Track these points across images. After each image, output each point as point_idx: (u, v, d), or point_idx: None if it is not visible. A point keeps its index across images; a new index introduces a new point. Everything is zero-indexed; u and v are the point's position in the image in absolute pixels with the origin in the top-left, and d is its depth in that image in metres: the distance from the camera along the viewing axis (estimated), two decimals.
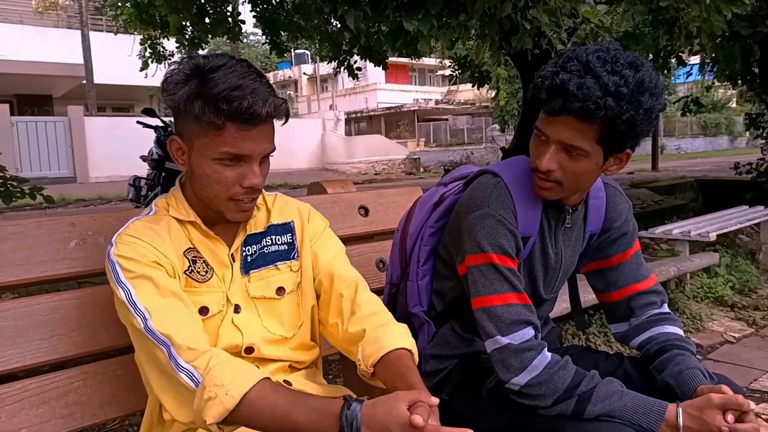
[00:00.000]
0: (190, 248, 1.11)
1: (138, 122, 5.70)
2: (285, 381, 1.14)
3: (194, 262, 1.10)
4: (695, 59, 8.23)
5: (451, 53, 8.36)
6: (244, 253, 1.16)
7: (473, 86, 8.96)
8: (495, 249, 1.18)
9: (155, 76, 8.23)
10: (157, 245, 1.05)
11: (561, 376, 1.14)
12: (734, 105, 28.32)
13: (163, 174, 5.39)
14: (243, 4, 6.81)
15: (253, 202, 1.11)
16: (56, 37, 17.06)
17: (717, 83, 8.70)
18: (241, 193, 1.07)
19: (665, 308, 1.36)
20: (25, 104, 15.43)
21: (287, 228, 1.22)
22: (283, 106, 1.05)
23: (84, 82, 15.34)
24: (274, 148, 1.09)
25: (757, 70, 6.38)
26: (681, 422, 1.08)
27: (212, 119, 0.99)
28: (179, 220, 1.11)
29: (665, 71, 6.93)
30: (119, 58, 15.22)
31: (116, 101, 19.55)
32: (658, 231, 4.35)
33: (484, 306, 1.19)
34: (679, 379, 1.18)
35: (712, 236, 4.16)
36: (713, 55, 5.83)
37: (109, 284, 1.06)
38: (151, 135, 5.58)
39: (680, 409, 1.09)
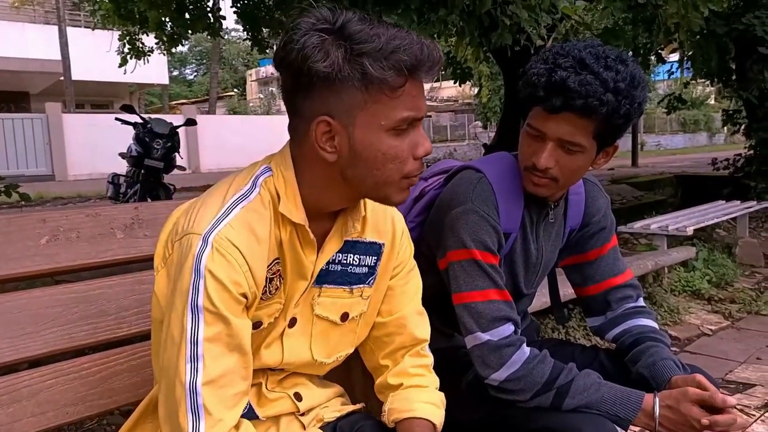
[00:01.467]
0: (276, 259, 0.92)
1: (116, 119, 5.64)
2: (295, 393, 1.04)
3: (271, 280, 0.92)
4: (675, 56, 8.34)
5: None
6: (329, 263, 0.98)
7: (455, 83, 8.99)
8: (477, 245, 1.18)
9: (134, 72, 8.16)
10: (253, 261, 0.86)
11: (539, 370, 1.15)
12: (713, 102, 28.71)
13: (143, 171, 5.34)
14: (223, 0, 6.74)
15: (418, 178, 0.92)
16: (33, 33, 16.78)
17: (696, 81, 8.83)
18: (416, 168, 0.89)
19: (641, 302, 1.38)
20: (1, 101, 15.17)
21: (376, 250, 1.04)
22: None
23: (62, 78, 15.11)
24: None
25: (734, 67, 6.47)
26: (657, 411, 1.09)
27: (391, 77, 0.80)
28: (283, 217, 0.91)
29: (645, 68, 7.01)
30: (98, 55, 15.04)
31: (95, 98, 19.30)
32: (637, 226, 4.40)
33: (465, 302, 1.19)
34: (653, 369, 1.20)
35: (690, 231, 4.22)
36: (691, 52, 5.91)
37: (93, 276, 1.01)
38: (131, 132, 5.52)
39: (657, 399, 1.11)
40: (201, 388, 0.82)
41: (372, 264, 1.03)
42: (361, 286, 1.03)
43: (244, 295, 0.86)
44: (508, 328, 1.18)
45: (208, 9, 6.41)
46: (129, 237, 1.28)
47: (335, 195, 0.91)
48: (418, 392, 1.07)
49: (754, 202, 5.56)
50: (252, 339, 0.91)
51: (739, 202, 5.50)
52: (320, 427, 1.03)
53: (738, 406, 2.42)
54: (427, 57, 0.82)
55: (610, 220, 1.38)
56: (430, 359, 1.13)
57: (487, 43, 3.18)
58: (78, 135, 13.83)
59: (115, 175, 5.88)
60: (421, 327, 1.11)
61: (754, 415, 2.36)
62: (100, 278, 1.23)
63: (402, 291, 1.09)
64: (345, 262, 1.00)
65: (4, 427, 1.06)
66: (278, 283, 0.93)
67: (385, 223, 1.05)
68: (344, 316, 1.02)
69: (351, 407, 1.11)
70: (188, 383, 0.82)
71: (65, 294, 1.17)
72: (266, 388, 1.01)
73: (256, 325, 0.93)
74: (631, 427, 1.16)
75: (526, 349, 1.17)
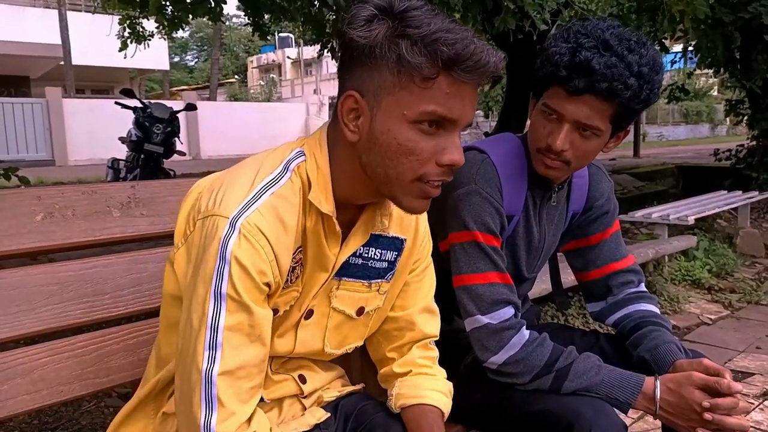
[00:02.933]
0: (299, 247, 0.90)
1: (116, 103, 5.61)
2: (299, 375, 1.04)
3: (293, 269, 0.90)
4: (678, 47, 8.28)
5: None
6: (351, 256, 0.96)
7: None
8: (479, 227, 1.17)
9: (135, 57, 8.12)
10: (279, 250, 0.84)
11: (539, 353, 1.14)
12: (715, 93, 28.58)
13: (142, 156, 5.32)
14: None
15: (439, 188, 0.86)
16: (33, 17, 16.66)
17: (698, 71, 8.78)
18: (435, 174, 0.83)
19: (642, 287, 1.36)
20: (1, 85, 15.10)
21: (398, 245, 1.01)
22: (503, 61, 0.83)
23: (62, 63, 15.03)
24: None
25: (738, 56, 6.42)
26: (658, 395, 1.08)
27: (424, 64, 0.77)
28: (311, 204, 0.88)
29: None
30: (98, 39, 14.94)
31: (95, 83, 19.22)
32: (638, 215, 4.39)
33: (466, 284, 1.18)
34: (655, 353, 1.19)
35: (691, 220, 4.21)
36: (695, 41, 5.86)
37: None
38: (131, 117, 5.50)
39: (658, 382, 1.10)
40: (216, 378, 0.79)
41: (392, 259, 1.01)
42: (380, 281, 1.01)
43: (268, 285, 0.84)
44: (508, 311, 1.17)
45: None
46: (125, 216, 1.26)
47: (361, 186, 0.88)
48: (426, 380, 1.06)
49: (756, 193, 5.54)
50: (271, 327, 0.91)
51: (740, 192, 5.48)
52: (322, 407, 1.02)
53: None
54: (470, 55, 0.76)
55: (614, 205, 1.37)
56: (436, 353, 1.11)
57: (490, 28, 3.15)
58: (78, 120, 13.79)
59: (115, 160, 5.87)
60: (431, 324, 1.10)
61: (752, 403, 2.36)
62: (96, 257, 1.22)
63: (417, 287, 1.07)
64: (366, 256, 0.98)
65: None
66: (299, 271, 0.91)
67: (409, 219, 1.02)
68: (360, 311, 1.00)
69: (350, 388, 1.10)
70: (204, 371, 0.80)
71: (61, 272, 1.16)
72: (271, 369, 1.00)
73: (273, 312, 0.90)
74: (632, 412, 1.15)
75: (525, 332, 1.16)
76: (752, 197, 5.34)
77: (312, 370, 1.05)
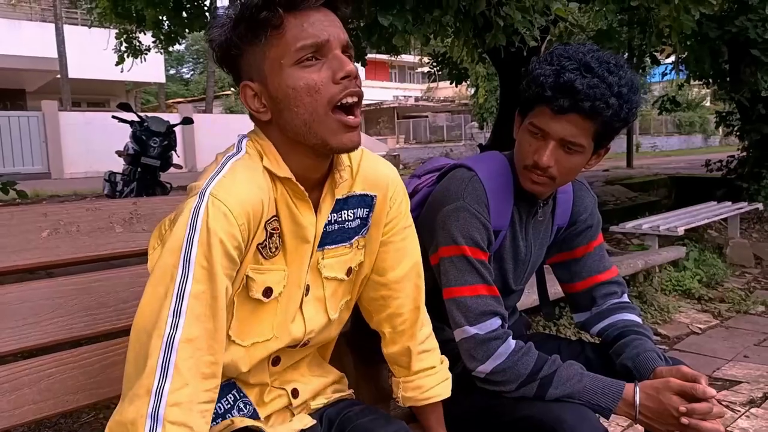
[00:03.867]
0: (274, 216, 0.93)
1: (113, 117, 5.67)
2: (293, 390, 1.08)
3: (271, 236, 0.93)
4: (670, 58, 8.39)
5: (429, 50, 8.40)
6: (326, 224, 1.00)
7: (452, 83, 9.04)
8: (468, 241, 1.22)
9: (131, 70, 8.17)
10: (248, 210, 0.87)
11: (524, 362, 1.19)
12: (708, 104, 28.83)
13: (139, 169, 5.37)
14: None
15: (359, 106, 0.91)
16: (29, 30, 16.78)
17: (690, 83, 8.89)
18: (339, 91, 0.88)
19: (625, 298, 1.42)
20: None
21: (368, 202, 1.05)
22: None
23: (58, 76, 15.11)
24: (350, 42, 0.92)
25: (727, 67, 6.52)
26: (638, 401, 1.13)
27: (267, 17, 0.85)
28: (271, 175, 0.92)
29: (641, 70, 7.06)
30: (94, 53, 15.00)
31: (91, 96, 19.29)
32: (629, 226, 4.45)
33: (454, 296, 1.22)
34: (637, 361, 1.23)
35: (680, 231, 4.27)
36: (684, 55, 5.96)
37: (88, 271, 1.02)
38: (128, 130, 5.55)
39: (638, 389, 1.14)
40: (177, 345, 0.80)
41: (365, 216, 1.05)
42: (357, 237, 1.05)
43: (239, 248, 0.86)
44: (495, 322, 1.21)
45: (206, 8, 6.43)
46: (128, 231, 1.31)
47: (301, 155, 0.93)
48: (428, 379, 1.14)
49: (745, 203, 5.61)
50: (261, 311, 0.95)
51: (730, 203, 5.55)
52: (309, 414, 1.07)
53: (724, 402, 2.47)
54: None
55: (597, 219, 1.42)
56: (429, 327, 1.17)
57: (481, 44, 3.22)
58: (74, 133, 13.83)
59: (112, 173, 5.90)
60: (419, 291, 1.14)
61: (739, 411, 2.41)
62: (100, 271, 1.26)
63: (397, 248, 1.10)
64: (341, 219, 1.02)
65: (5, 414, 1.09)
66: (278, 242, 0.94)
67: (376, 177, 1.06)
68: (348, 271, 1.06)
69: (339, 394, 1.14)
70: (166, 336, 0.80)
71: (65, 286, 1.20)
72: (271, 386, 1.04)
73: (267, 292, 0.94)
74: (615, 418, 1.20)
75: (511, 342, 1.21)
76: (742, 208, 5.41)
77: (305, 380, 1.09)
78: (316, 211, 0.98)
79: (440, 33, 3.50)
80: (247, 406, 1.02)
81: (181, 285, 0.81)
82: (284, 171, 0.92)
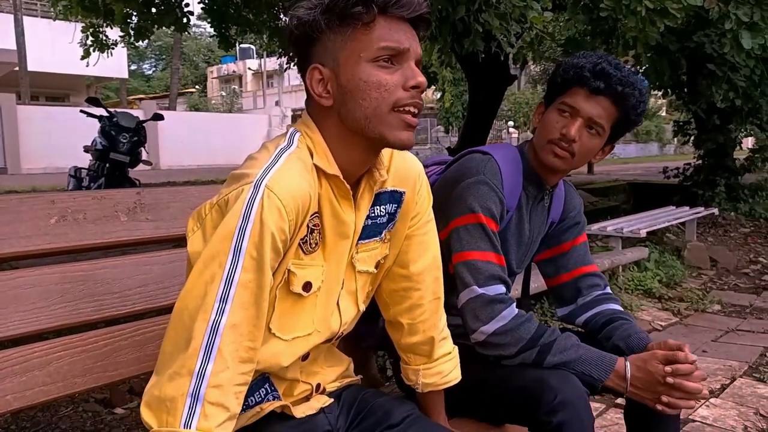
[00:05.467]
0: (316, 213, 0.95)
1: (81, 111, 5.56)
2: (317, 385, 1.11)
3: (312, 231, 0.96)
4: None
5: None
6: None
7: None
8: (485, 211, 1.29)
9: (96, 64, 8.02)
10: (299, 206, 0.89)
11: (526, 327, 1.25)
12: (664, 113, 29.80)
13: (107, 165, 5.29)
14: None
15: (416, 116, 0.95)
16: None
17: (649, 93, 9.21)
18: (407, 98, 0.92)
19: (608, 290, 1.51)
20: None
21: (397, 198, 1.08)
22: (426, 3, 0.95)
23: (17, 69, 14.65)
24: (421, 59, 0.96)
25: (686, 79, 6.80)
26: (629, 373, 1.22)
27: (360, 12, 0.89)
28: (318, 171, 0.94)
29: None
30: (55, 46, 14.64)
31: (51, 90, 18.77)
32: (594, 228, 4.62)
33: (466, 259, 1.28)
34: (629, 341, 1.33)
35: (643, 233, 4.46)
36: (646, 66, 6.20)
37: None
38: (93, 125, 5.45)
39: (628, 363, 1.23)
40: (223, 330, 0.82)
41: (393, 211, 1.08)
42: (385, 231, 1.09)
43: (285, 242, 0.89)
44: (501, 288, 1.28)
45: (176, 4, 6.37)
46: (132, 220, 1.34)
47: (353, 147, 0.96)
48: (447, 364, 1.19)
49: (702, 208, 5.88)
50: (299, 304, 0.97)
51: (688, 207, 5.81)
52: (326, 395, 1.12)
53: None
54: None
55: (583, 218, 1.54)
56: (445, 315, 1.21)
57: (459, 49, 3.32)
58: (33, 127, 13.46)
59: (77, 169, 5.77)
60: (439, 284, 1.18)
61: (699, 401, 2.55)
62: (105, 258, 1.29)
63: (420, 242, 1.14)
64: (374, 215, 1.05)
65: (17, 395, 1.11)
66: (318, 238, 0.97)
67: (406, 172, 1.09)
68: (377, 264, 1.10)
69: (349, 380, 1.19)
70: (212, 321, 0.82)
71: (73, 272, 1.23)
72: (300, 381, 1.08)
73: (306, 287, 0.97)
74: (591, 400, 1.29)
75: (514, 308, 1.28)
76: (698, 212, 5.67)
77: (325, 371, 1.14)
78: (360, 206, 1.01)
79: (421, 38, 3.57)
80: (276, 401, 1.05)
81: (230, 272, 0.84)
82: (333, 168, 0.95)
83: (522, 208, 1.41)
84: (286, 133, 0.99)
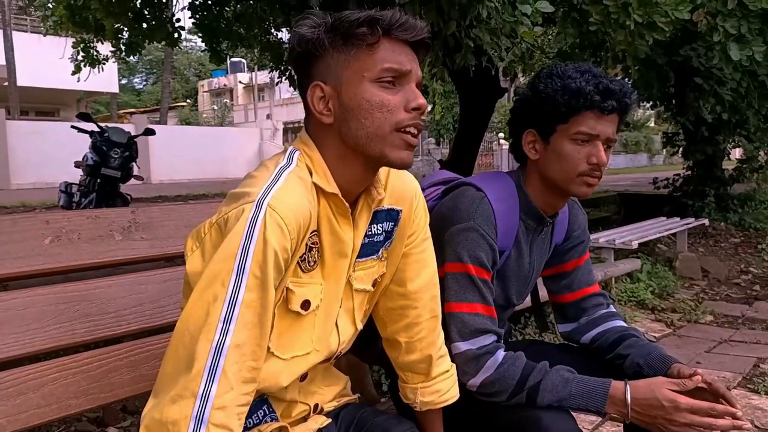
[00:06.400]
0: (315, 231, 0.96)
1: (73, 127, 5.55)
2: (315, 405, 1.11)
3: (310, 249, 0.96)
4: None
5: None
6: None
7: None
8: (473, 261, 1.25)
9: (87, 80, 8.00)
10: (300, 225, 0.89)
11: (510, 373, 1.22)
12: (652, 124, 30.07)
13: (99, 180, 5.26)
14: (182, 11, 6.72)
15: (416, 137, 0.96)
16: None
17: (639, 105, 9.31)
18: (408, 120, 0.94)
19: (612, 308, 1.49)
20: None
21: (394, 216, 1.09)
22: (428, 26, 0.97)
23: (6, 84, 14.60)
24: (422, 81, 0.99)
25: (674, 91, 6.88)
26: (629, 397, 1.16)
27: (364, 33, 0.91)
28: (317, 190, 0.95)
29: None
30: (45, 61, 14.60)
31: (40, 105, 18.70)
32: None
33: (453, 311, 1.26)
34: (649, 359, 1.29)
35: (635, 244, 4.48)
36: (634, 79, 6.27)
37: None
38: (83, 141, 5.44)
39: (628, 387, 1.17)
40: (227, 351, 0.82)
41: (389, 229, 1.09)
42: (382, 249, 1.09)
43: (287, 261, 0.89)
44: (488, 339, 1.25)
45: (167, 19, 6.37)
46: (127, 239, 1.34)
47: (352, 166, 0.97)
48: (445, 382, 1.19)
49: (692, 219, 5.92)
50: (297, 324, 0.97)
51: (678, 218, 5.85)
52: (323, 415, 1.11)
53: None
54: (399, 17, 0.92)
55: (587, 236, 1.51)
56: (443, 334, 1.21)
57: (451, 64, 3.35)
58: (22, 143, 13.38)
59: (68, 184, 5.74)
60: (437, 302, 1.18)
61: None
62: (100, 278, 1.28)
63: (417, 260, 1.14)
64: (371, 233, 1.06)
65: (11, 418, 1.10)
66: (316, 256, 0.97)
67: (403, 190, 1.09)
68: (374, 282, 1.10)
69: (347, 398, 1.19)
70: (216, 342, 0.82)
71: (68, 292, 1.22)
72: (299, 401, 1.07)
73: (305, 305, 0.97)
74: (586, 417, 1.26)
75: (499, 355, 1.25)
76: (689, 223, 5.71)
77: (323, 391, 1.13)
78: (358, 225, 1.01)
79: None
80: (274, 422, 1.04)
81: (233, 292, 0.83)
82: (332, 187, 0.95)
83: (520, 243, 1.36)
84: (285, 151, 0.99)
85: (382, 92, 0.93)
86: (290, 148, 0.99)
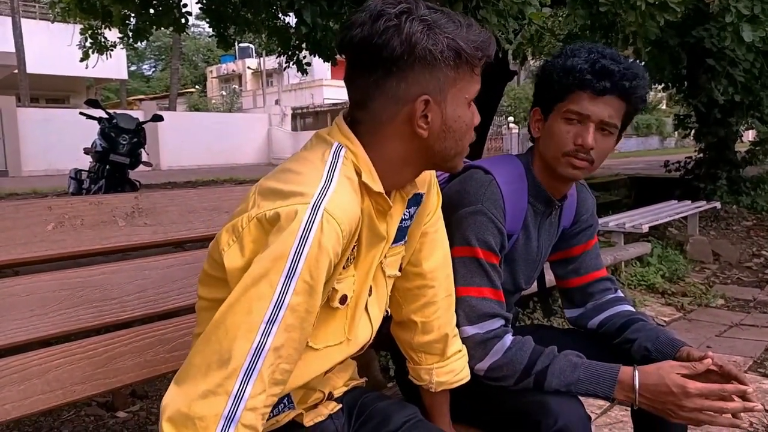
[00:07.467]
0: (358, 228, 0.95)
1: (81, 113, 5.55)
2: (329, 393, 1.11)
3: (352, 249, 0.96)
4: None
5: None
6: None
7: None
8: (481, 244, 1.24)
9: (96, 66, 8.01)
10: (352, 230, 0.89)
11: (518, 357, 1.21)
12: (664, 107, 29.72)
13: (107, 166, 5.28)
14: None
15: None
16: None
17: (651, 87, 9.17)
18: (473, 137, 1.02)
19: (620, 293, 1.47)
20: None
21: (418, 200, 1.09)
22: None
23: (16, 71, 14.65)
24: None
25: (686, 72, 6.78)
26: (637, 383, 1.14)
27: (477, 57, 0.92)
28: (362, 188, 0.94)
29: None
30: (54, 48, 14.64)
31: (51, 92, 18.78)
32: None
33: (461, 295, 1.24)
34: (657, 342, 1.28)
35: (645, 228, 4.44)
36: (646, 60, 6.18)
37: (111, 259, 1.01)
38: (93, 127, 5.45)
39: (636, 372, 1.15)
40: (266, 353, 0.80)
41: (413, 213, 1.09)
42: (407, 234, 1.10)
43: (338, 266, 0.89)
44: (495, 323, 1.24)
45: (174, 4, 6.35)
46: (130, 225, 1.33)
47: (410, 169, 0.98)
48: (459, 362, 1.20)
49: (704, 202, 5.86)
50: (336, 316, 0.97)
51: (689, 201, 5.79)
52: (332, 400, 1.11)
53: None
54: (490, 45, 0.95)
55: (596, 219, 1.48)
56: (453, 311, 1.21)
57: None
58: (33, 130, 13.46)
59: (78, 171, 5.77)
60: (451, 281, 1.19)
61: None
62: (104, 264, 1.28)
63: (432, 238, 1.14)
64: (401, 221, 1.06)
65: (16, 404, 1.11)
66: (354, 252, 0.97)
67: (423, 174, 1.08)
68: (400, 266, 1.11)
69: (354, 382, 1.19)
70: (257, 342, 0.79)
71: (71, 278, 1.22)
72: (317, 389, 1.07)
73: (343, 300, 0.97)
74: (594, 402, 1.25)
75: (507, 339, 1.24)
76: (700, 206, 5.65)
77: (336, 375, 1.12)
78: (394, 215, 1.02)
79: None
80: (291, 411, 1.04)
81: (281, 294, 0.80)
82: (379, 186, 0.94)
83: (529, 226, 1.35)
84: (325, 142, 0.95)
85: (469, 113, 0.97)
86: (335, 144, 0.94)
